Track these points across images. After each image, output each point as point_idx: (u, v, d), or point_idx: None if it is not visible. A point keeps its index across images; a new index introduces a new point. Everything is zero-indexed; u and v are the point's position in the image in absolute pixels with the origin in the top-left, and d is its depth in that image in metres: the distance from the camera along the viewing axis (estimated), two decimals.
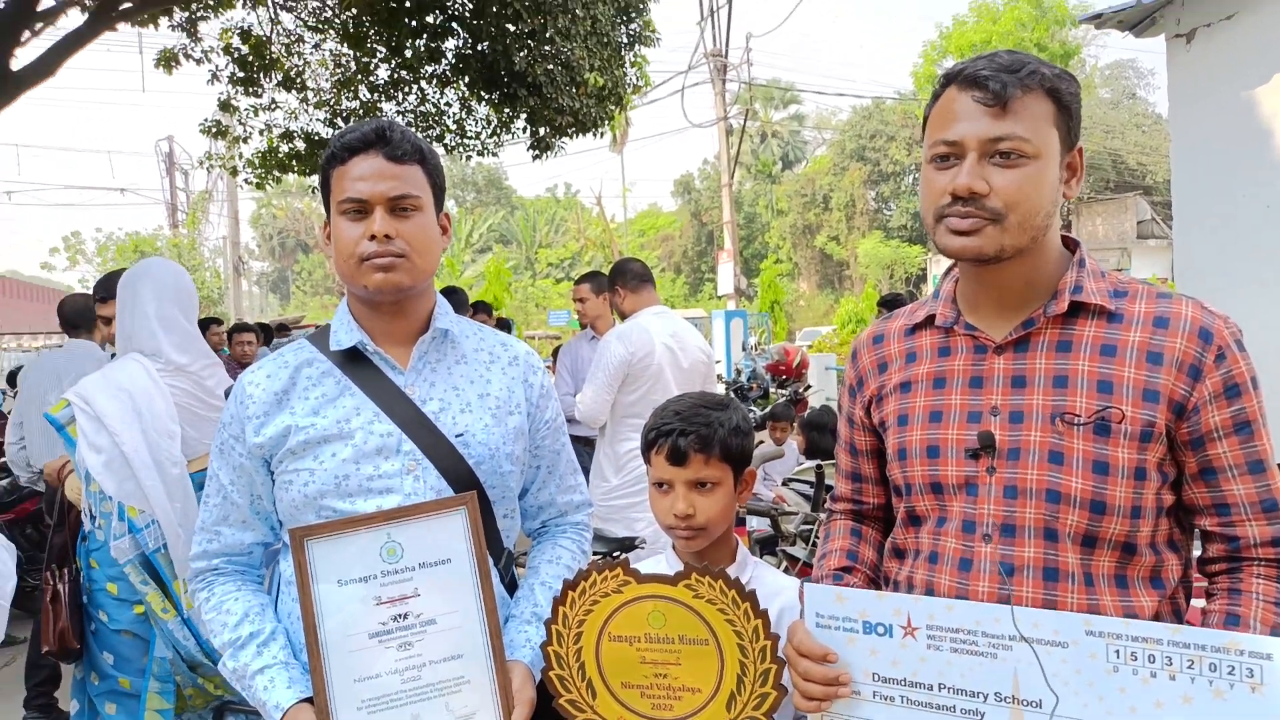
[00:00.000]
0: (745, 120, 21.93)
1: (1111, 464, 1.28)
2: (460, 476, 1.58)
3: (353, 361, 1.61)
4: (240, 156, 9.85)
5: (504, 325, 9.31)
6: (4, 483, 6.18)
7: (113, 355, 3.80)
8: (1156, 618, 1.31)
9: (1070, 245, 1.42)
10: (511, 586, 1.72)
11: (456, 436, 1.59)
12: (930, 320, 1.48)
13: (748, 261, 40.76)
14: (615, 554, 3.37)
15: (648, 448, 1.70)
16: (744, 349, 12.70)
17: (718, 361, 15.20)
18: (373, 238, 1.52)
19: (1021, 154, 1.28)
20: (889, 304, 7.91)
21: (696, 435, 1.64)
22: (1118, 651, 1.15)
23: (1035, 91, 1.28)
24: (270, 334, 9.24)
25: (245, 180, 10.04)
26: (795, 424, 5.65)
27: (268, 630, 1.56)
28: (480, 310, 6.48)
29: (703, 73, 21.11)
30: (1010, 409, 1.35)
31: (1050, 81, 1.30)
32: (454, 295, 5.79)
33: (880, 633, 1.29)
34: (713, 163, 44.14)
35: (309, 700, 1.45)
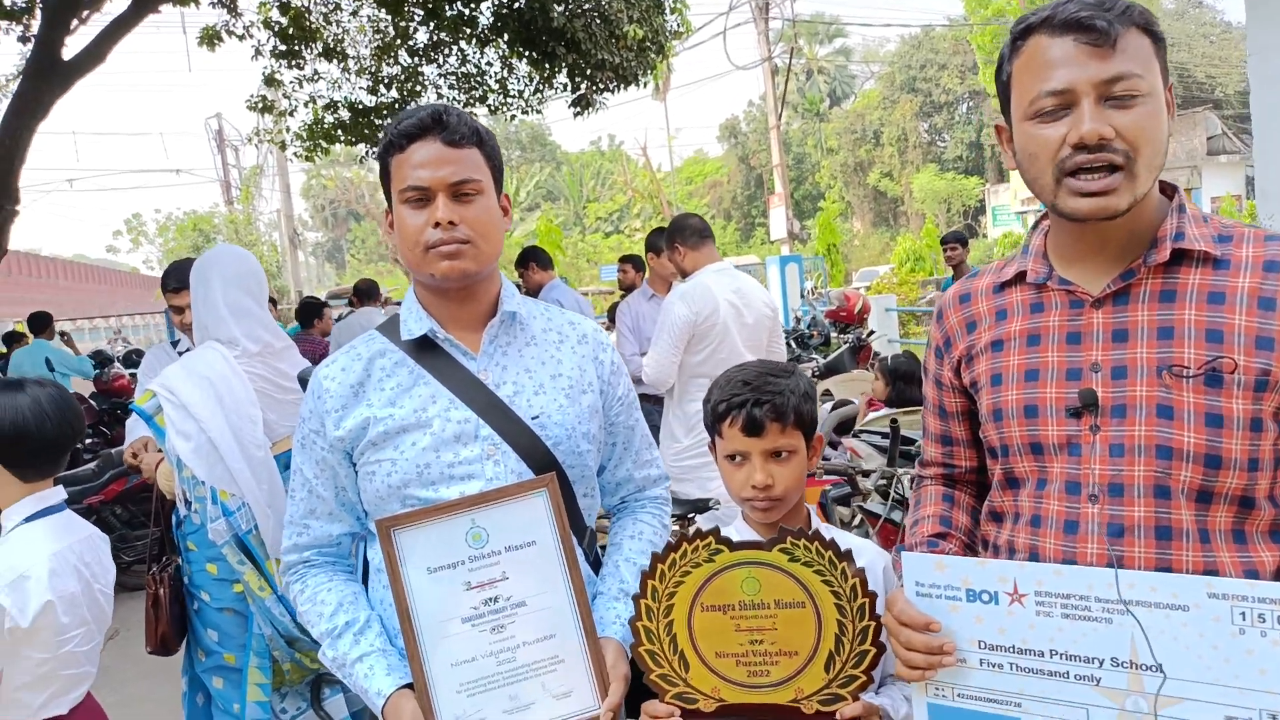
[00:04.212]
0: (790, 58, 21.40)
1: (1225, 416, 1.22)
2: (539, 458, 1.57)
3: (424, 350, 1.60)
4: (288, 130, 9.92)
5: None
6: (93, 464, 6.40)
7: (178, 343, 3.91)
8: (1279, 573, 1.25)
9: (1168, 191, 1.35)
10: (595, 564, 1.72)
11: (533, 419, 1.59)
12: (1021, 276, 1.41)
13: (799, 203, 40.17)
14: (690, 516, 3.36)
15: (718, 419, 1.66)
16: (802, 295, 12.53)
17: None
18: (436, 225, 1.50)
19: (1137, 92, 1.21)
20: (953, 241, 7.72)
21: (772, 405, 1.59)
22: (1243, 614, 1.10)
23: (1133, 28, 1.22)
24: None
25: (294, 154, 10.12)
26: (875, 370, 5.48)
27: (363, 619, 1.58)
28: (532, 259, 6.37)
29: (744, 13, 20.62)
30: (1112, 364, 1.29)
31: (1143, 16, 1.24)
32: None
33: (985, 600, 1.25)
34: (758, 104, 43.33)
35: (409, 686, 1.47)
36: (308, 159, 10.01)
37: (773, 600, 1.39)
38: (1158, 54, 1.25)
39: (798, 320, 10.95)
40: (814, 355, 8.48)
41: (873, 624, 1.36)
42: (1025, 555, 1.35)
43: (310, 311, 8.52)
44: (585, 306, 6.21)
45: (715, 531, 1.42)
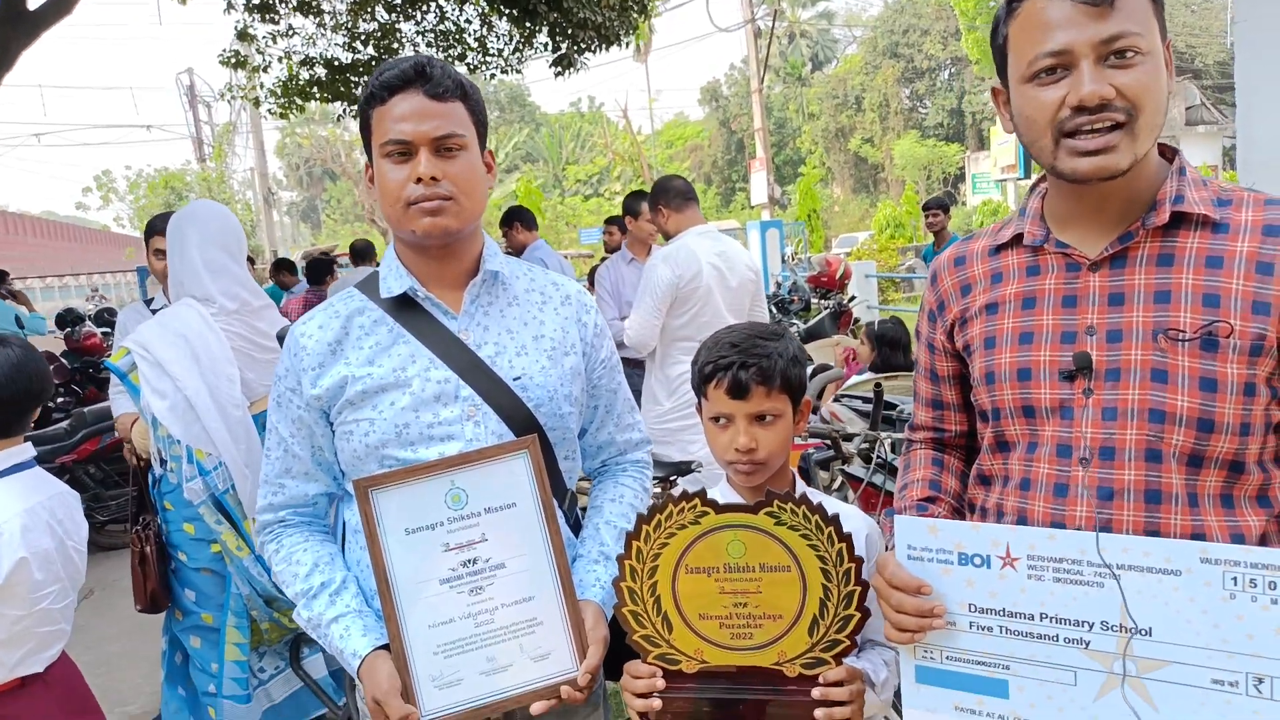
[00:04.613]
0: (773, 21, 21.18)
1: (1220, 380, 1.21)
2: (520, 420, 1.54)
3: (404, 308, 1.56)
4: (261, 86, 9.71)
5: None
6: (65, 424, 6.32)
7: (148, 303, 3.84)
8: (1264, 538, 1.25)
9: (1167, 154, 1.33)
10: (576, 527, 1.70)
11: (514, 380, 1.55)
12: (1017, 239, 1.39)
13: (779, 168, 40.05)
14: (671, 479, 3.35)
15: (704, 381, 1.63)
16: (783, 260, 12.50)
17: None
18: (419, 180, 1.46)
19: (1137, 50, 1.19)
20: (934, 208, 7.71)
21: (758, 368, 1.57)
22: (1235, 579, 1.10)
23: None
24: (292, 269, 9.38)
25: (268, 111, 9.92)
26: (856, 334, 5.49)
27: (339, 579, 1.55)
28: (517, 219, 6.31)
29: None
30: (1108, 328, 1.28)
31: None
32: None
33: (977, 564, 1.24)
34: (740, 68, 43.04)
35: (385, 647, 1.45)
36: (282, 116, 9.82)
37: (758, 563, 1.38)
38: (1156, 11, 1.23)
39: (778, 285, 10.94)
40: (794, 320, 8.49)
41: (857, 589, 1.35)
42: (1013, 518, 1.35)
43: (321, 268, 8.38)
44: (567, 268, 6.16)
45: (701, 494, 1.40)
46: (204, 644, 2.92)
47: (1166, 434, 1.23)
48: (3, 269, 9.44)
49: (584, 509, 1.77)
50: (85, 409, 6.41)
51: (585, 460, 1.80)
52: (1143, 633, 1.15)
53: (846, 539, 1.35)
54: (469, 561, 1.46)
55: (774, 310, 9.11)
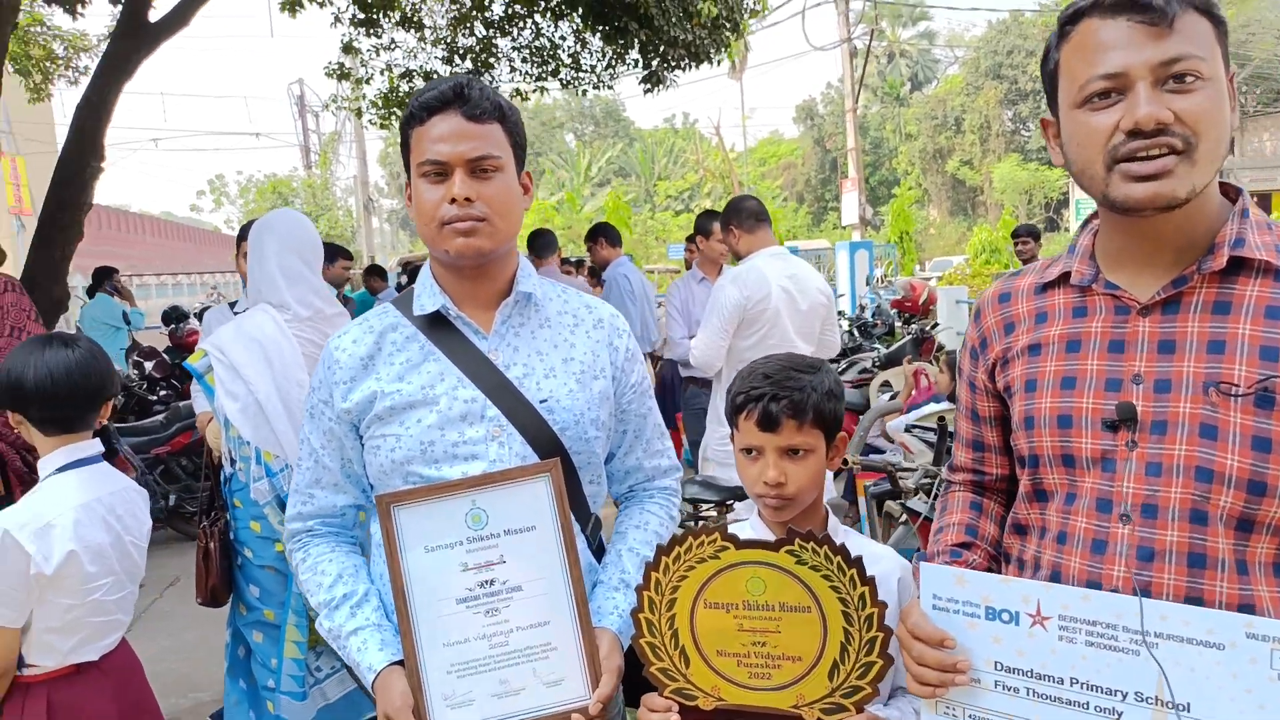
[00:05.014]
0: (870, 40, 20.91)
1: (1274, 440, 1.12)
2: (545, 442, 1.54)
3: (436, 326, 1.58)
4: (364, 98, 10.03)
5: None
6: (160, 416, 6.61)
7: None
8: None
9: (1230, 194, 1.24)
10: (600, 552, 1.68)
11: (541, 402, 1.55)
12: (1065, 278, 1.32)
13: (874, 189, 39.45)
14: (728, 502, 3.31)
15: (735, 412, 1.60)
16: (868, 283, 12.26)
17: (841, 295, 14.69)
18: (453, 201, 1.47)
19: (1198, 74, 1.11)
20: (1024, 235, 7.46)
21: (789, 400, 1.53)
22: None
23: (1191, 9, 1.13)
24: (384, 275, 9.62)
25: (369, 121, 10.25)
26: (937, 362, 5.34)
27: (361, 592, 1.57)
28: (602, 235, 6.40)
29: None
30: (1156, 377, 1.19)
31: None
32: (542, 237, 6.06)
33: (1005, 620, 1.17)
34: (836, 86, 42.55)
35: (400, 663, 1.46)
36: (383, 126, 10.11)
37: (778, 602, 1.34)
38: (1219, 38, 1.15)
39: (863, 308, 10.73)
40: (876, 345, 8.30)
41: (880, 635, 1.30)
42: (1048, 573, 1.27)
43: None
44: (649, 286, 6.19)
45: (721, 528, 1.37)
46: (265, 639, 3.00)
47: (1214, 494, 1.14)
48: (111, 266, 9.95)
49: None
50: (181, 403, 6.70)
51: (612, 485, 1.78)
52: (1180, 708, 1.07)
53: (870, 582, 1.30)
54: (486, 582, 1.46)
55: (856, 333, 8.94)
